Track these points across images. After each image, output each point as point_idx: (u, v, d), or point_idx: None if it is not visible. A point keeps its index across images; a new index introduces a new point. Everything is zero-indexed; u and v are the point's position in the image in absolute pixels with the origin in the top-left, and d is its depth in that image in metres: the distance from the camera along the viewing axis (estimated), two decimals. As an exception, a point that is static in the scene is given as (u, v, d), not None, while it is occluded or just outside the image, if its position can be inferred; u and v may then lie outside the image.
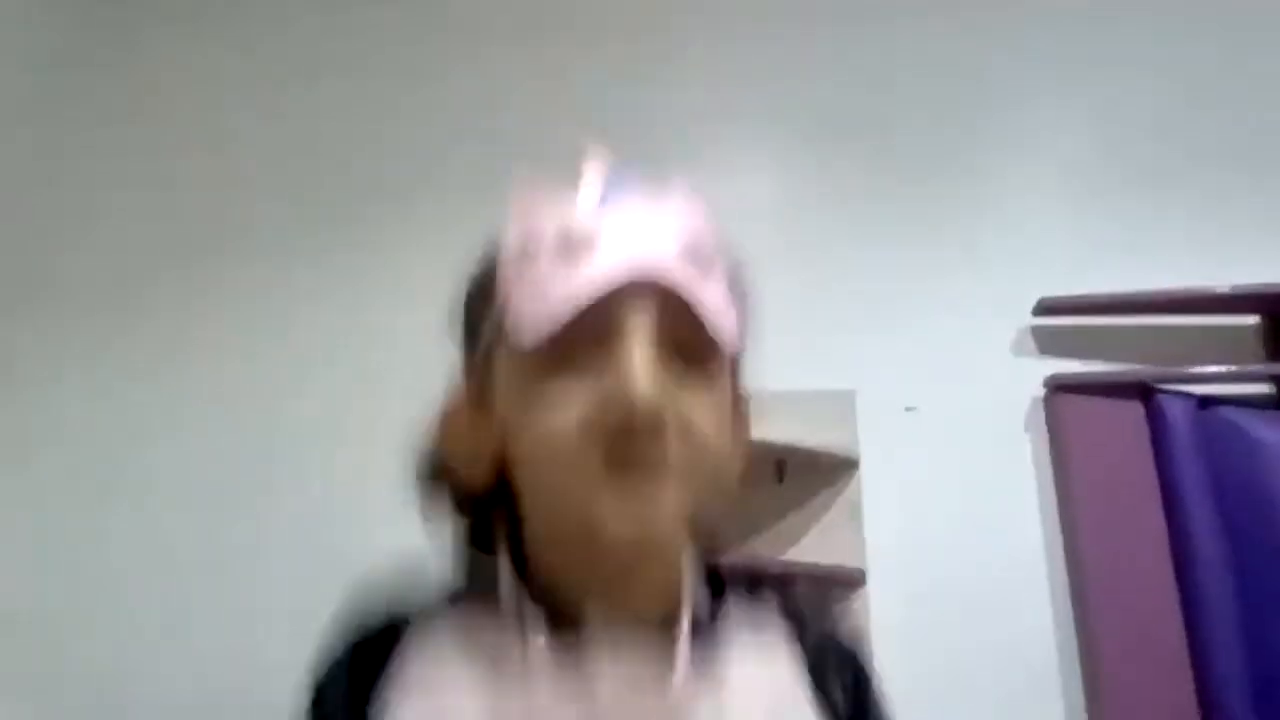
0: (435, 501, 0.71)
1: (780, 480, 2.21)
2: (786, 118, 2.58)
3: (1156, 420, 2.16)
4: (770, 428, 2.15)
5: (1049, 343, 2.33)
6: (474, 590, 0.66)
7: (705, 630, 0.65)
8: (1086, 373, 2.27)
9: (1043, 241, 2.41)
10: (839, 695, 0.69)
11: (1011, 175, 2.50)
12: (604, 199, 0.62)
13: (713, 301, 0.60)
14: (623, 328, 0.59)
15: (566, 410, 0.59)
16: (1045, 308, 2.31)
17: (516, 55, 2.65)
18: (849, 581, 2.14)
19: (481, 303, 0.66)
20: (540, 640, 0.60)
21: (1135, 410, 2.18)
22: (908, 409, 2.30)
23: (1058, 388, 2.25)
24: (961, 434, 2.27)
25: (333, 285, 2.46)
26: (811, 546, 2.16)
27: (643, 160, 2.25)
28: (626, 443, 0.58)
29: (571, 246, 0.58)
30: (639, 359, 0.57)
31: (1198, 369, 2.22)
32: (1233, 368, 2.22)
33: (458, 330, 0.69)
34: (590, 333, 0.58)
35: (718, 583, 0.70)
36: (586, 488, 0.59)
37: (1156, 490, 2.12)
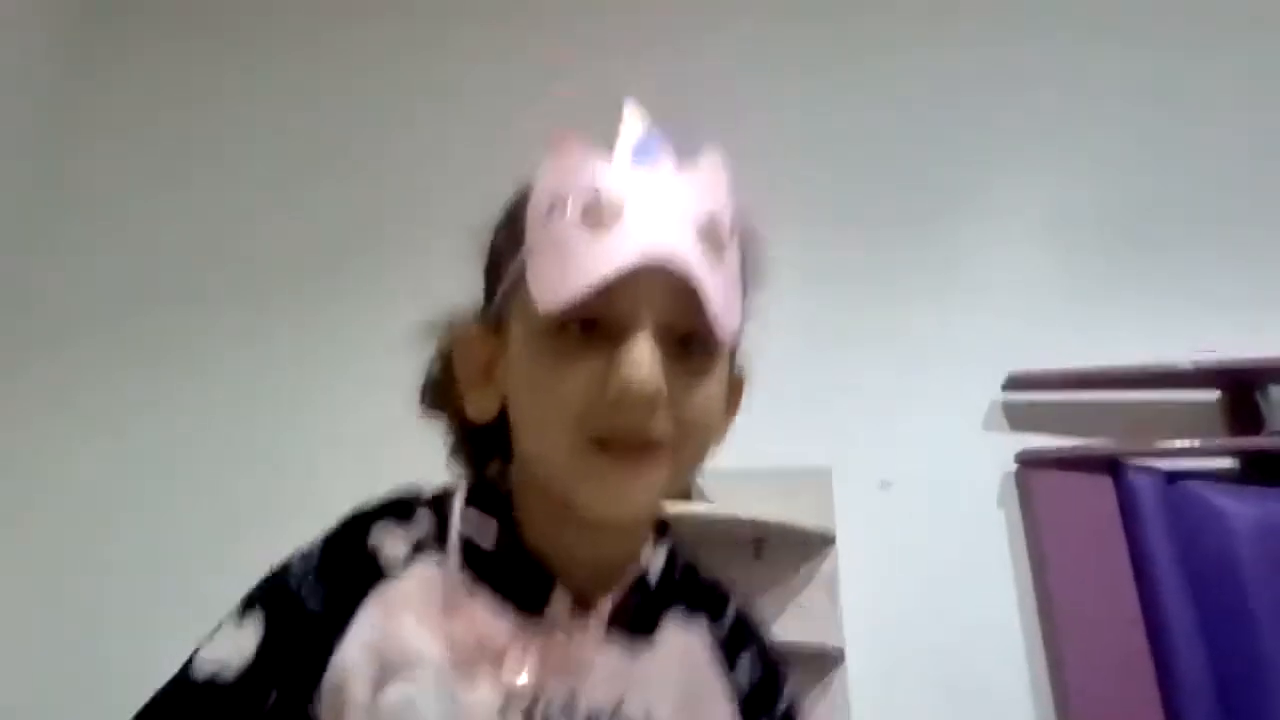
0: (437, 417, 0.73)
1: (758, 557, 2.22)
2: (755, 187, 2.63)
3: (1125, 494, 2.19)
4: (748, 504, 2.20)
5: (1019, 417, 2.37)
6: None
7: (649, 591, 0.70)
8: (1056, 447, 2.31)
9: (1011, 316, 2.45)
10: (743, 678, 0.73)
11: (980, 250, 2.56)
12: (635, 158, 0.63)
13: (720, 293, 0.62)
14: (634, 309, 0.61)
15: (570, 383, 0.61)
16: (1014, 382, 2.35)
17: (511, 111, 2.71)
18: (828, 659, 2.14)
19: (509, 242, 0.67)
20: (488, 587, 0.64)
21: (1105, 484, 2.22)
22: (883, 485, 2.33)
23: (1028, 462, 2.28)
24: (936, 508, 2.29)
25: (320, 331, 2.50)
26: (789, 624, 2.16)
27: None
28: (621, 426, 0.60)
29: (598, 214, 0.60)
30: (643, 347, 0.60)
31: (1164, 444, 2.26)
32: (1197, 442, 2.27)
33: (483, 257, 0.71)
34: (604, 305, 0.60)
35: (673, 550, 0.75)
36: (574, 465, 0.62)
37: (1127, 561, 2.15)
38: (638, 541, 0.70)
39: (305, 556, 0.65)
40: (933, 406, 2.39)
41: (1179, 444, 2.26)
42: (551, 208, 0.62)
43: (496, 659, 0.63)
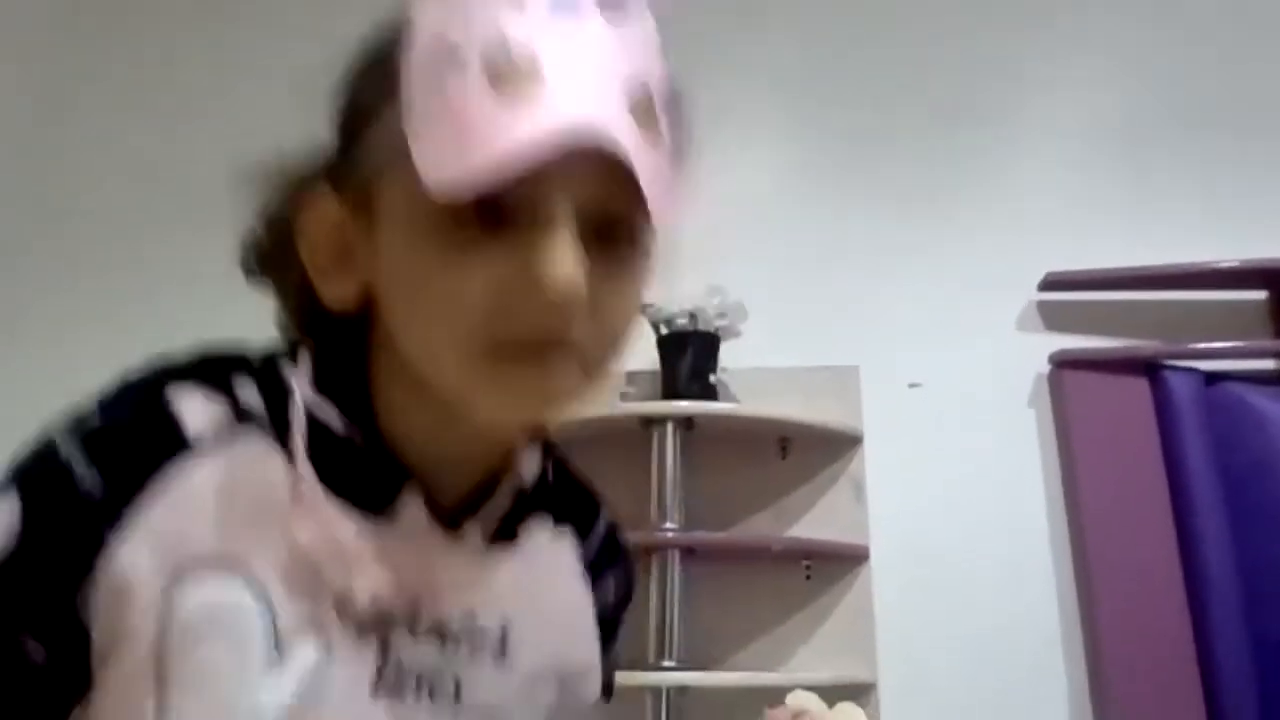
0: (268, 286, 0.60)
1: (784, 457, 2.20)
2: (788, 93, 2.56)
3: (1162, 396, 2.14)
4: (774, 403, 2.18)
5: (1054, 318, 2.32)
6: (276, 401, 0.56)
7: (521, 498, 0.61)
8: (1092, 349, 2.25)
9: (1049, 215, 2.38)
10: (607, 596, 0.68)
11: (1018, 148, 2.47)
12: (553, 3, 0.50)
13: (654, 174, 0.51)
14: (551, 192, 0.50)
15: (469, 281, 0.50)
16: (1051, 283, 2.29)
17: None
18: (853, 558, 2.14)
19: (379, 91, 0.53)
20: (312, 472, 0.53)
21: (1140, 386, 2.17)
22: (912, 385, 2.29)
23: (1063, 364, 2.23)
24: (965, 410, 2.26)
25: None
26: (815, 523, 2.16)
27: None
28: (531, 331, 0.50)
29: (507, 72, 0.48)
30: (563, 241, 0.49)
31: (1204, 345, 2.20)
32: (1239, 343, 2.20)
33: (338, 101, 0.58)
34: (513, 187, 0.48)
35: (546, 452, 0.65)
36: (472, 371, 0.52)
37: (1161, 466, 2.11)
38: (517, 442, 0.61)
39: (81, 420, 0.52)
40: (966, 306, 2.34)
41: (1220, 345, 2.19)
42: (442, 56, 0.49)
43: (336, 565, 0.53)
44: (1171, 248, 2.25)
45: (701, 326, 2.13)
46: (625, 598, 0.70)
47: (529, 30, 0.49)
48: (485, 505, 0.59)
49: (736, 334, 2.17)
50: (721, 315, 2.14)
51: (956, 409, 2.26)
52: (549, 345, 0.51)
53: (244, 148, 0.58)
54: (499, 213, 0.50)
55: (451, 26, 0.50)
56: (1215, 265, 2.23)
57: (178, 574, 0.50)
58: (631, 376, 2.27)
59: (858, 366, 2.28)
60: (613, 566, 0.69)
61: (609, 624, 0.68)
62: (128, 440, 0.51)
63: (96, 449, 0.51)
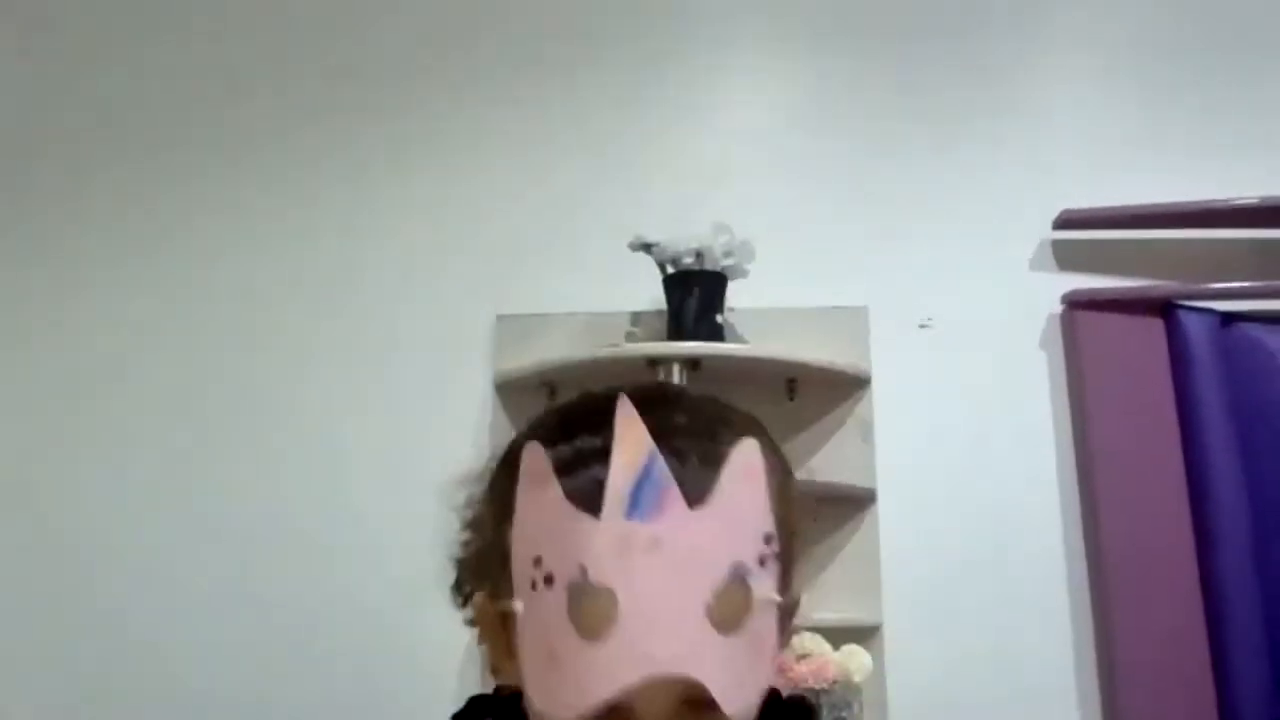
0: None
1: (791, 398, 2.18)
2: (798, 28, 2.49)
3: (1176, 337, 2.11)
4: (781, 344, 2.16)
5: (1068, 257, 2.27)
6: None
7: None
8: (1106, 288, 2.21)
9: (1064, 152, 2.33)
10: None
11: (1032, 83, 2.41)
12: (630, 511, 0.53)
13: (735, 673, 0.54)
14: (635, 708, 0.55)
15: None
16: (1065, 221, 2.24)
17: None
18: (859, 500, 2.12)
19: (496, 560, 0.61)
20: None
21: (1155, 327, 2.14)
22: (921, 325, 2.26)
23: (1076, 304, 2.20)
24: (976, 351, 2.23)
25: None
26: (822, 465, 2.14)
27: (651, 82, 2.21)
28: None
29: (587, 609, 0.53)
30: None
31: (1222, 284, 2.16)
32: (1259, 283, 2.16)
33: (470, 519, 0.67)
34: (604, 709, 0.54)
35: None
36: None
37: (1174, 408, 2.09)
38: None
39: None
40: (977, 245, 2.30)
41: (1237, 285, 2.15)
42: (532, 567, 0.55)
43: None
44: (1189, 185, 2.21)
45: (708, 266, 2.09)
46: None
47: (603, 553, 0.53)
48: None
49: (744, 274, 2.13)
50: (729, 254, 2.10)
51: (967, 350, 2.23)
52: None
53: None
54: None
55: (532, 532, 0.56)
56: (1233, 203, 2.18)
57: None
58: (637, 316, 2.24)
59: (866, 307, 2.24)
60: None
61: None
62: None
63: None
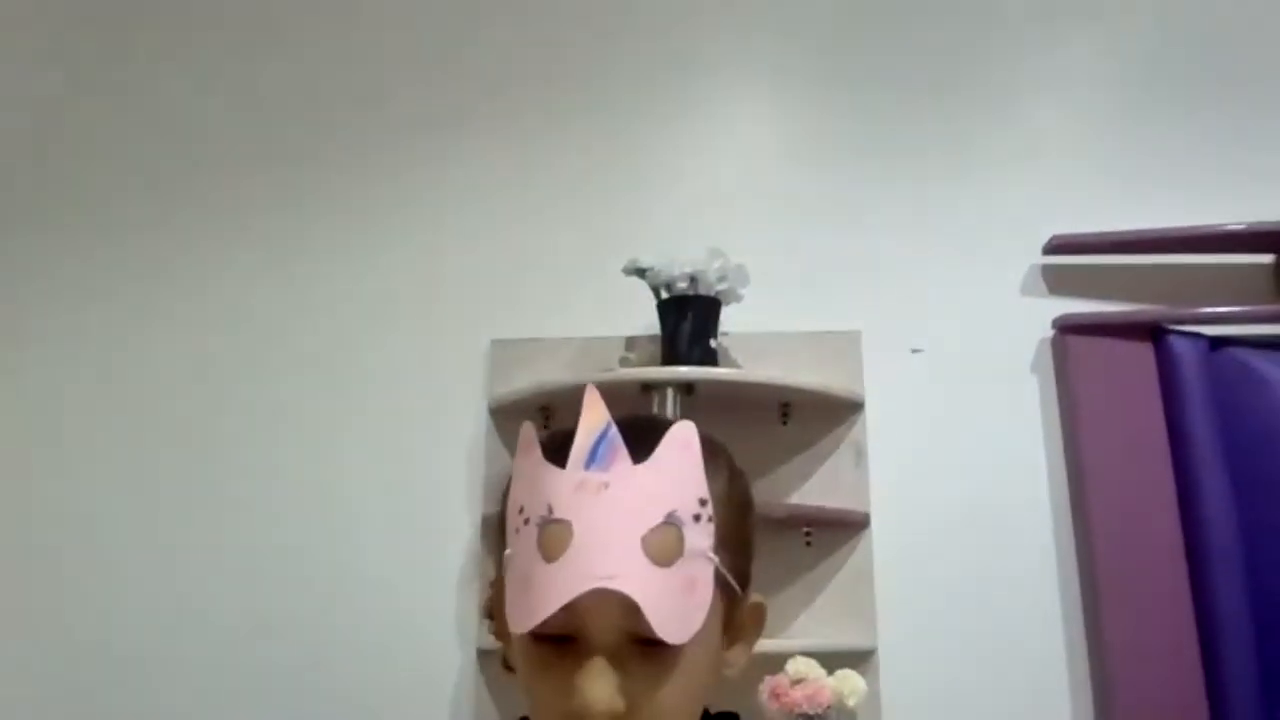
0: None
1: (785, 422, 2.19)
2: (791, 54, 2.52)
3: (1166, 361, 2.12)
4: (775, 368, 2.17)
5: (1059, 282, 2.29)
6: None
7: None
8: (1096, 312, 2.23)
9: (1054, 178, 2.35)
10: None
11: (1023, 109, 2.44)
12: (589, 463, 0.67)
13: (669, 601, 0.64)
14: (590, 630, 0.66)
15: (545, 692, 0.68)
16: (1056, 246, 2.26)
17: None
18: (853, 524, 2.13)
19: (500, 528, 0.73)
20: None
21: (1145, 351, 2.15)
22: (914, 350, 2.27)
23: (1066, 328, 2.21)
24: (968, 375, 2.24)
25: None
26: (816, 489, 2.15)
27: (646, 109, 2.23)
28: None
29: (549, 538, 0.65)
30: (594, 672, 0.65)
31: (1210, 309, 2.17)
32: (1246, 307, 2.18)
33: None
34: (566, 625, 0.65)
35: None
36: None
37: (1164, 431, 2.10)
38: None
39: None
40: (969, 270, 2.31)
41: (1225, 309, 2.17)
42: (518, 518, 0.68)
43: None
44: (1177, 210, 2.23)
45: (702, 290, 2.11)
46: None
47: (567, 494, 0.66)
48: None
49: (738, 298, 2.14)
50: (723, 279, 2.11)
51: (959, 374, 2.25)
52: None
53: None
54: (562, 639, 0.66)
55: (523, 490, 0.69)
56: (1221, 228, 2.20)
57: None
58: (631, 341, 2.26)
59: (859, 331, 2.26)
60: None
61: None
62: None
63: None
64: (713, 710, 0.77)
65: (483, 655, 2.12)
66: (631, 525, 0.65)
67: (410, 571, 2.20)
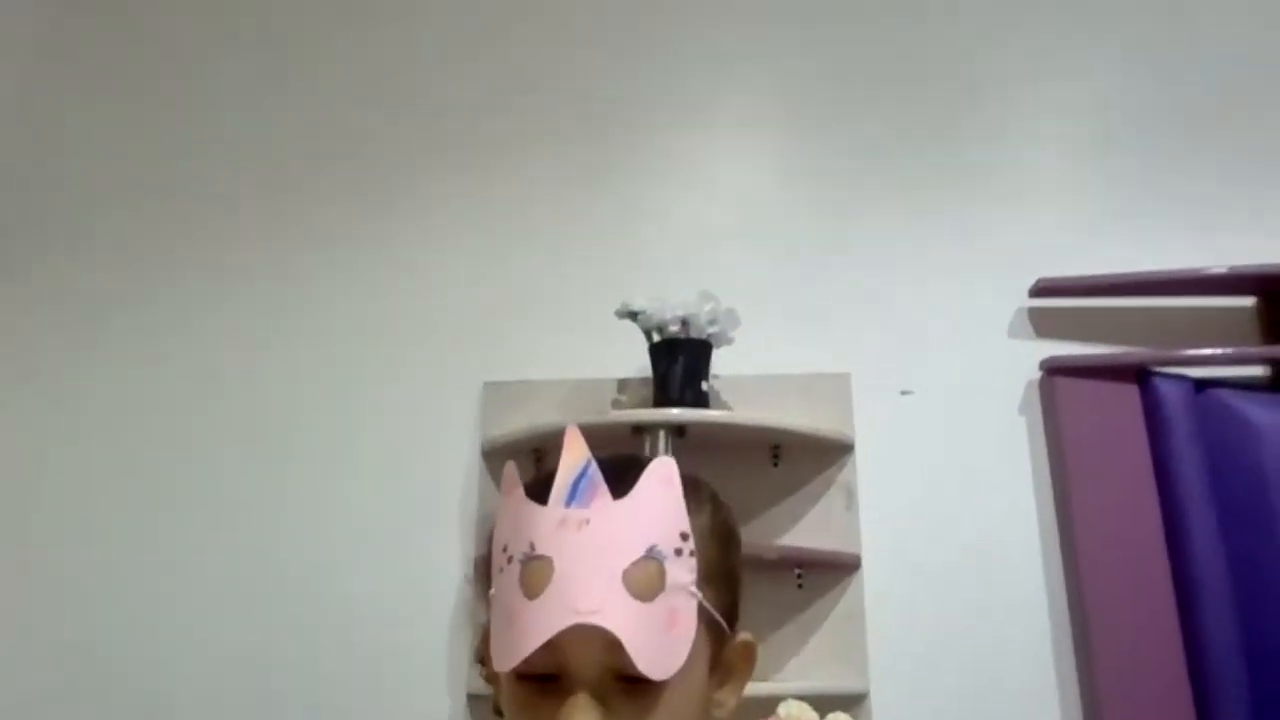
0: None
1: (775, 464, 2.20)
2: (777, 98, 2.56)
3: (1152, 402, 2.15)
4: (766, 410, 2.18)
5: (1045, 324, 2.32)
6: None
7: None
8: (1083, 355, 2.26)
9: (1039, 222, 2.39)
10: None
11: (1009, 154, 2.47)
12: (569, 501, 0.68)
13: (652, 636, 0.65)
14: (572, 666, 0.66)
15: None
16: (1042, 289, 2.29)
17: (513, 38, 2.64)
18: (844, 566, 2.13)
19: (486, 572, 0.74)
20: None
21: (1131, 392, 2.17)
22: (903, 392, 2.29)
23: (1053, 370, 2.24)
24: (957, 416, 2.26)
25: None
26: (807, 530, 2.15)
27: (638, 149, 2.26)
28: None
29: (531, 576, 0.66)
30: (576, 712, 0.65)
31: (1194, 351, 2.20)
32: (1229, 350, 2.21)
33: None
34: (548, 663, 0.66)
35: None
36: None
37: (1151, 472, 2.11)
38: None
39: None
40: (957, 313, 2.34)
41: (1209, 351, 2.20)
42: (502, 557, 0.69)
43: None
44: (1164, 253, 2.26)
45: (694, 334, 2.12)
46: None
47: (547, 531, 0.67)
48: None
49: (729, 341, 2.16)
50: (714, 322, 2.13)
51: (948, 416, 2.26)
52: None
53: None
54: (546, 679, 0.67)
55: (507, 530, 0.70)
56: (1204, 272, 2.24)
57: None
58: (623, 384, 2.27)
59: (849, 374, 2.28)
60: None
61: None
62: None
63: None
64: None
65: (473, 700, 2.10)
66: (612, 560, 0.66)
67: (401, 613, 2.19)
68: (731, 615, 0.74)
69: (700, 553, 0.69)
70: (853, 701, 2.01)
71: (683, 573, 0.67)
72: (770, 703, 1.89)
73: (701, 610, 0.68)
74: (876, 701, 2.05)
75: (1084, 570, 2.10)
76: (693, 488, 0.71)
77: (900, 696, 2.07)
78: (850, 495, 2.19)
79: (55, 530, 2.30)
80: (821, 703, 1.95)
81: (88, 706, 2.17)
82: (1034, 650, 2.11)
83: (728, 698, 0.75)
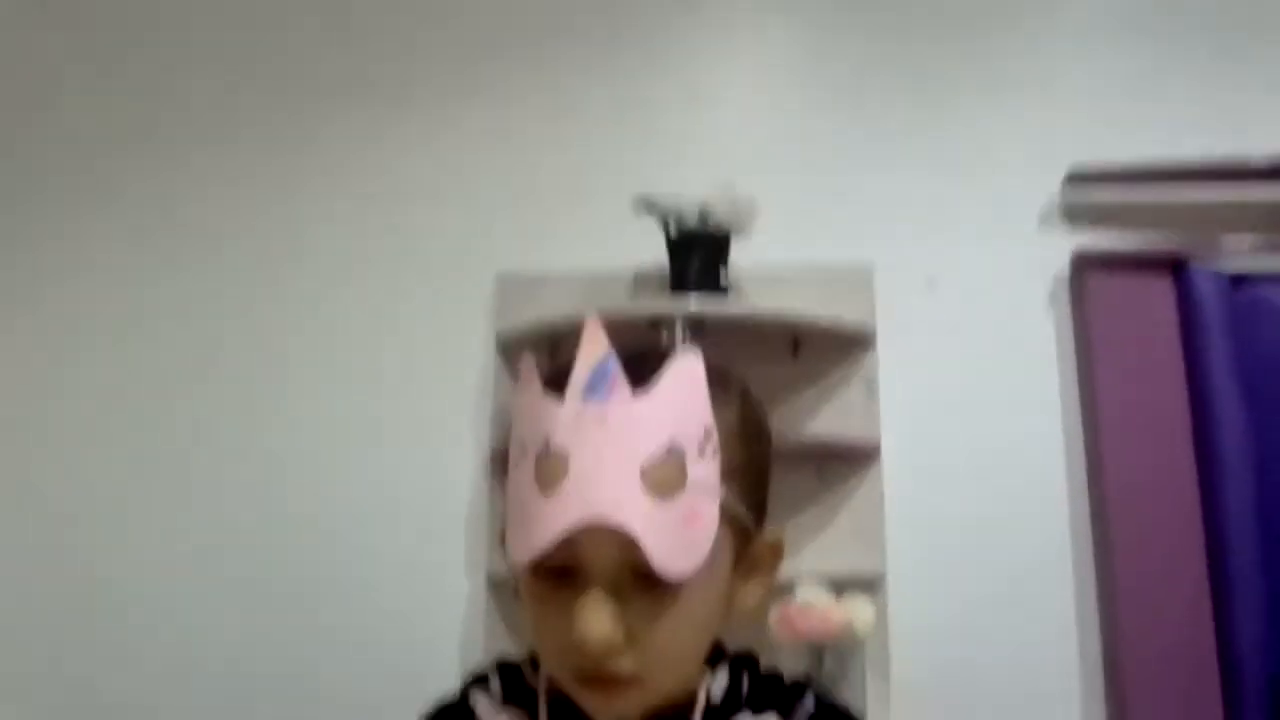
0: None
1: (795, 355, 2.16)
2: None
3: (1186, 296, 2.09)
4: (785, 301, 2.14)
5: (1079, 215, 2.23)
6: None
7: (711, 708, 0.73)
8: (1116, 247, 2.18)
9: (1075, 107, 2.29)
10: None
11: (1044, 35, 2.37)
12: (587, 395, 0.65)
13: (667, 536, 0.63)
14: (587, 563, 0.65)
15: (548, 627, 0.67)
16: (1076, 177, 2.21)
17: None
18: (863, 457, 2.11)
19: (506, 461, 0.73)
20: None
21: (1164, 287, 2.12)
22: (928, 283, 2.23)
23: (1084, 262, 2.17)
24: (982, 310, 2.21)
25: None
26: (826, 423, 2.13)
27: (659, 36, 2.15)
28: (586, 669, 0.66)
29: (547, 470, 0.64)
30: (593, 605, 0.64)
31: (1232, 244, 2.12)
32: (1269, 239, 2.12)
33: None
34: (565, 558, 0.65)
35: (740, 663, 0.77)
36: (567, 686, 0.68)
37: (1181, 370, 2.07)
38: (682, 688, 0.73)
39: (428, 716, 0.79)
40: (986, 202, 2.27)
41: (1249, 243, 2.12)
42: (519, 450, 0.68)
43: None
44: (1200, 140, 2.17)
45: (712, 225, 2.06)
46: None
47: (564, 426, 0.65)
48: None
49: (747, 232, 2.10)
50: (732, 213, 2.07)
51: (973, 308, 2.21)
52: (606, 680, 0.66)
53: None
54: (561, 574, 0.66)
55: (523, 425, 0.68)
56: (1247, 160, 2.14)
57: None
58: (640, 277, 2.22)
59: (872, 264, 2.22)
60: None
61: None
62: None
63: None
64: (729, 649, 0.76)
65: (493, 584, 2.12)
66: (630, 457, 0.63)
67: (418, 504, 2.20)
68: (759, 512, 0.72)
69: (725, 449, 0.66)
70: (869, 585, 2.02)
71: (704, 470, 0.65)
72: (787, 587, 1.91)
73: (724, 508, 0.66)
74: (893, 585, 2.06)
75: (1107, 463, 2.08)
76: (721, 380, 0.69)
77: (917, 580, 2.07)
78: (871, 388, 2.15)
79: (59, 441, 2.30)
80: (838, 586, 1.97)
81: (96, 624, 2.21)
82: (1052, 540, 2.11)
83: (752, 594, 0.73)
